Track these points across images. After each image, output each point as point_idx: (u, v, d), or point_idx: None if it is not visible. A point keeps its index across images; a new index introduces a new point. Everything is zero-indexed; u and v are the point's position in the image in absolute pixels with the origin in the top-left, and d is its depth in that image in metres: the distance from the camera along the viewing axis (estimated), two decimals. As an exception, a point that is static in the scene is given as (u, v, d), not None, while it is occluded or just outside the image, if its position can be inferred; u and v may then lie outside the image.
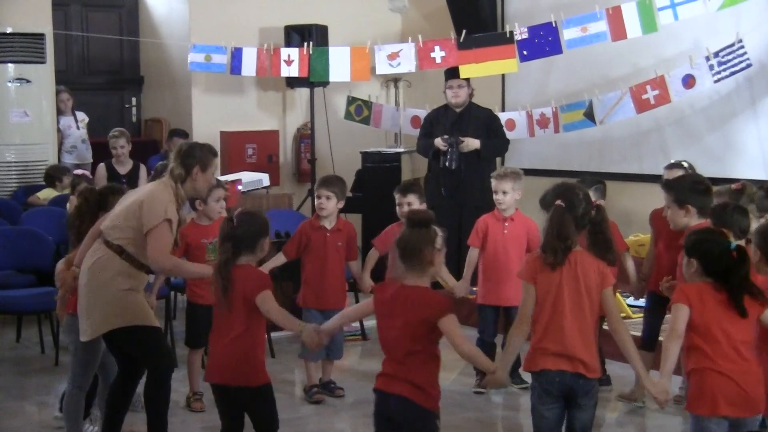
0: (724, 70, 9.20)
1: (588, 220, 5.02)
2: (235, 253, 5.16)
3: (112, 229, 5.64)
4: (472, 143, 9.50)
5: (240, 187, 8.41)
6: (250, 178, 10.37)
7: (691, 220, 5.83)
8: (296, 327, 5.24)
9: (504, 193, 7.34)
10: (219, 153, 11.67)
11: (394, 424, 4.78)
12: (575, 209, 4.96)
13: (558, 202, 4.95)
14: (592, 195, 6.69)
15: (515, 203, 7.38)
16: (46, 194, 10.24)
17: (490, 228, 7.38)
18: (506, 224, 7.37)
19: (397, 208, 7.30)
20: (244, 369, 5.13)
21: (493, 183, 7.43)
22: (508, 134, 10.20)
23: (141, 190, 5.96)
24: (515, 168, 7.68)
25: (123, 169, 10.65)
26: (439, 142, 9.60)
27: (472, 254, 7.40)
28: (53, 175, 10.39)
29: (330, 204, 7.13)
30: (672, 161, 7.36)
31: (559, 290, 4.91)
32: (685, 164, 7.25)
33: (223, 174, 10.22)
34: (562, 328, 4.89)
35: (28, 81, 10.84)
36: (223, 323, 5.21)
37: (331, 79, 10.99)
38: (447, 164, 9.42)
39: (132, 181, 10.62)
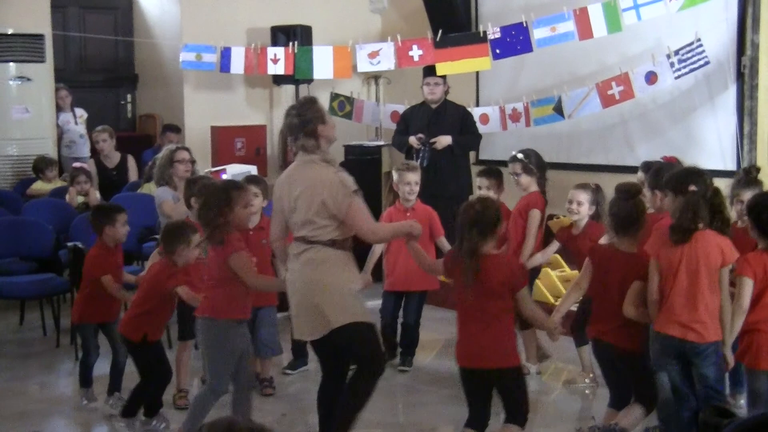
0: (684, 67, 9.25)
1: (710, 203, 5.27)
2: (480, 240, 4.96)
3: (311, 229, 5.31)
4: (445, 140, 9.53)
5: (224, 176, 8.37)
6: (239, 170, 10.31)
7: (663, 204, 5.96)
8: (547, 323, 5.36)
9: (407, 183, 7.41)
10: (210, 146, 11.87)
11: (616, 366, 5.33)
12: (705, 193, 5.22)
13: (692, 187, 5.21)
14: (590, 197, 6.87)
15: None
16: (39, 186, 10.21)
17: (394, 219, 7.27)
18: (408, 214, 7.35)
19: None
20: (498, 352, 4.99)
21: (398, 176, 7.47)
22: (483, 128, 10.24)
23: (304, 180, 5.40)
24: (413, 162, 7.84)
25: (111, 162, 10.66)
26: (413, 140, 9.62)
27: (375, 246, 7.19)
28: (38, 167, 10.34)
29: (257, 201, 6.80)
30: (513, 153, 7.48)
31: (679, 265, 5.14)
32: (520, 156, 7.34)
33: (213, 166, 10.21)
34: (677, 298, 5.15)
35: (28, 79, 10.82)
36: (469, 310, 5.06)
37: (315, 76, 11.00)
38: (419, 162, 9.40)
39: (121, 173, 10.62)
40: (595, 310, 5.41)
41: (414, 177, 7.38)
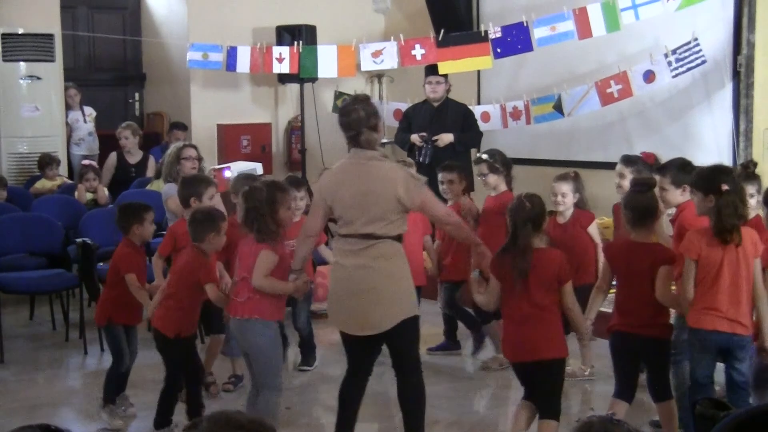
0: (682, 66, 9.25)
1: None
2: (533, 235, 5.02)
3: (382, 226, 5.18)
4: (446, 138, 9.54)
5: (227, 173, 8.36)
6: (245, 167, 10.32)
7: (671, 200, 5.96)
8: (585, 325, 5.38)
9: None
10: (216, 144, 11.86)
11: (641, 358, 5.30)
12: (737, 190, 5.21)
13: (724, 186, 5.12)
14: (572, 187, 6.86)
15: None
16: (40, 185, 10.20)
17: None
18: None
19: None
20: (546, 343, 5.03)
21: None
22: (484, 126, 10.25)
23: (373, 177, 5.23)
24: (409, 159, 7.82)
25: (132, 159, 10.68)
26: (415, 138, 9.64)
27: None
28: (40, 164, 10.31)
29: None
30: (479, 154, 7.50)
31: (721, 263, 5.10)
32: (485, 156, 7.36)
33: (219, 164, 10.22)
34: (722, 295, 5.10)
35: (38, 78, 10.82)
36: (520, 304, 5.07)
37: (320, 75, 11.00)
38: (421, 159, 9.41)
39: (140, 170, 10.64)
40: (621, 304, 5.31)
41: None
